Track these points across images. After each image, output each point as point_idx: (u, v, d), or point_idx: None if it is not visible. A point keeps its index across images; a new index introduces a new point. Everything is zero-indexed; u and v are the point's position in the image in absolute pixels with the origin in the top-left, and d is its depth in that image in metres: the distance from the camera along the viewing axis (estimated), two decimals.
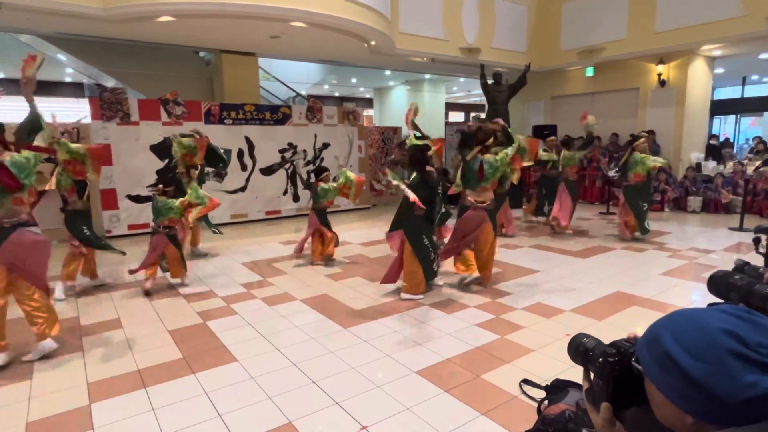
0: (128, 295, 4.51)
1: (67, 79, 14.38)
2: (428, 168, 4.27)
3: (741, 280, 1.22)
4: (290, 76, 13.08)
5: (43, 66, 3.10)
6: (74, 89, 14.86)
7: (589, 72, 10.83)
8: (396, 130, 10.81)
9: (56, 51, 9.24)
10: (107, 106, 7.04)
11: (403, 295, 4.24)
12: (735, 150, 11.99)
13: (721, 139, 12.54)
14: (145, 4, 5.89)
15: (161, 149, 7.50)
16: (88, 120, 7.35)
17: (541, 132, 10.89)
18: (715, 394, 0.67)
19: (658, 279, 4.78)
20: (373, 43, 7.94)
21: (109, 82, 10.12)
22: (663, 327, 0.77)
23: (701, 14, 8.25)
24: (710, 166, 9.71)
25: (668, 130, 9.71)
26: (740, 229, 7.09)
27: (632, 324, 3.60)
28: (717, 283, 1.27)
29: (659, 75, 9.60)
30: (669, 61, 9.47)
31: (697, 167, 9.58)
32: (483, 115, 10.45)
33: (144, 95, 8.87)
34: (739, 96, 14.32)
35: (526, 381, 2.71)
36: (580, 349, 0.98)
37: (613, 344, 0.92)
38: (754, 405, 0.65)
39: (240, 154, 8.31)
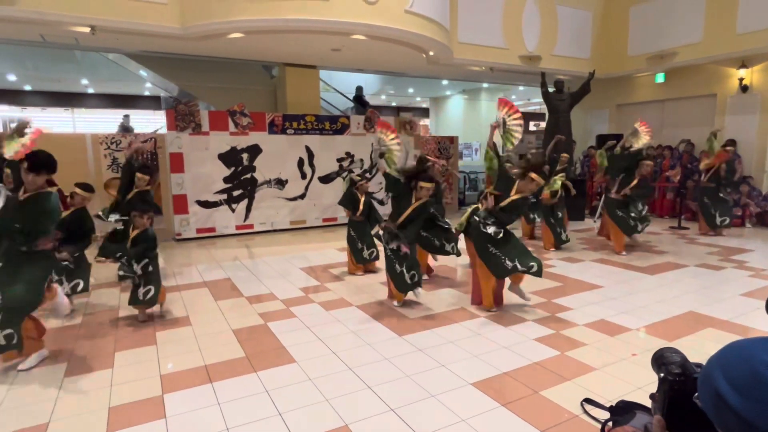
0: (196, 295, 4.80)
1: (146, 93, 15.61)
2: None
3: None
4: (349, 87, 13.39)
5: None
6: (152, 102, 16.14)
7: (660, 78, 10.23)
8: (452, 140, 10.74)
9: (138, 67, 10.08)
10: (181, 117, 7.57)
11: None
12: None
13: None
14: (219, 22, 6.30)
15: (228, 158, 7.96)
16: (164, 131, 7.95)
17: (606, 142, 10.40)
18: None
19: (738, 300, 4.41)
20: (431, 53, 7.98)
21: (183, 96, 10.88)
22: (714, 362, 0.71)
23: None
24: None
25: (750, 139, 8.94)
26: None
27: (707, 347, 3.34)
28: None
29: (741, 80, 8.90)
30: (752, 64, 8.76)
31: None
32: (543, 124, 10.16)
33: (214, 107, 9.44)
34: None
35: (588, 400, 2.59)
36: (664, 355, 1.00)
37: (685, 365, 0.91)
38: None
39: (300, 162, 8.61)
